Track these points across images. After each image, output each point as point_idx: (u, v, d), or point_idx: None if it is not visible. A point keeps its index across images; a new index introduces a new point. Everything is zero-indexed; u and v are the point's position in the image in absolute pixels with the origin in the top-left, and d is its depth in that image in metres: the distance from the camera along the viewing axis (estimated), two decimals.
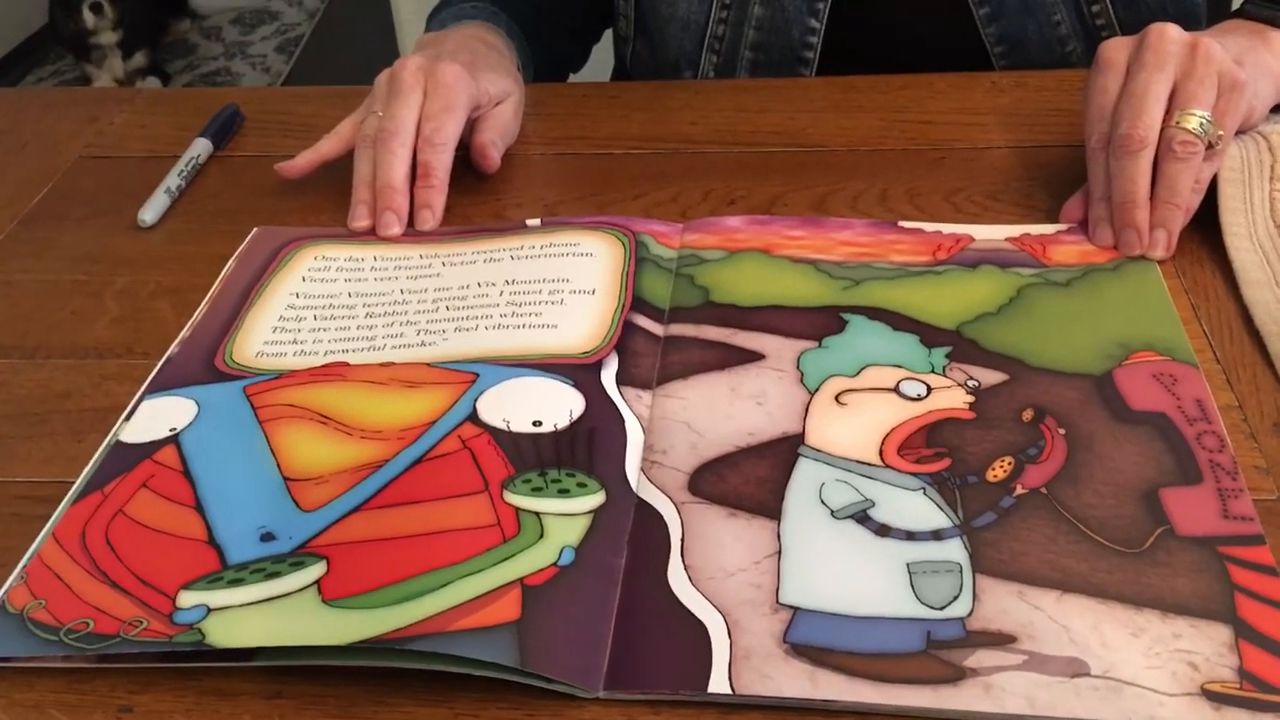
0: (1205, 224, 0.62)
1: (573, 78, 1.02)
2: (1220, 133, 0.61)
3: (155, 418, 0.55)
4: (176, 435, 0.54)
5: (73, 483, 0.52)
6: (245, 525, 0.49)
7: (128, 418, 0.55)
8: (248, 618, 0.44)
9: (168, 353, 0.60)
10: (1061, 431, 0.51)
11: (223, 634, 0.44)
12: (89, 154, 0.81)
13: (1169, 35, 0.62)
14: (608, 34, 1.02)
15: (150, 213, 0.71)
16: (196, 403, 0.56)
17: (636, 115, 0.80)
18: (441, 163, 0.68)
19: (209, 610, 0.45)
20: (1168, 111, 0.61)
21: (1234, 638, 0.42)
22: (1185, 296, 0.59)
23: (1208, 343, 0.56)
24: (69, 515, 0.50)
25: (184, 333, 0.61)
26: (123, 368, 0.60)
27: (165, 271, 0.67)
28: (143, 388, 0.57)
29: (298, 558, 0.47)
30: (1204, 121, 0.60)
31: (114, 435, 0.54)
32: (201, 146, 0.78)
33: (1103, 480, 0.48)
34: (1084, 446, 0.50)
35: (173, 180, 0.74)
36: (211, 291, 0.64)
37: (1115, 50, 0.64)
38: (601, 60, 1.04)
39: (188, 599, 0.45)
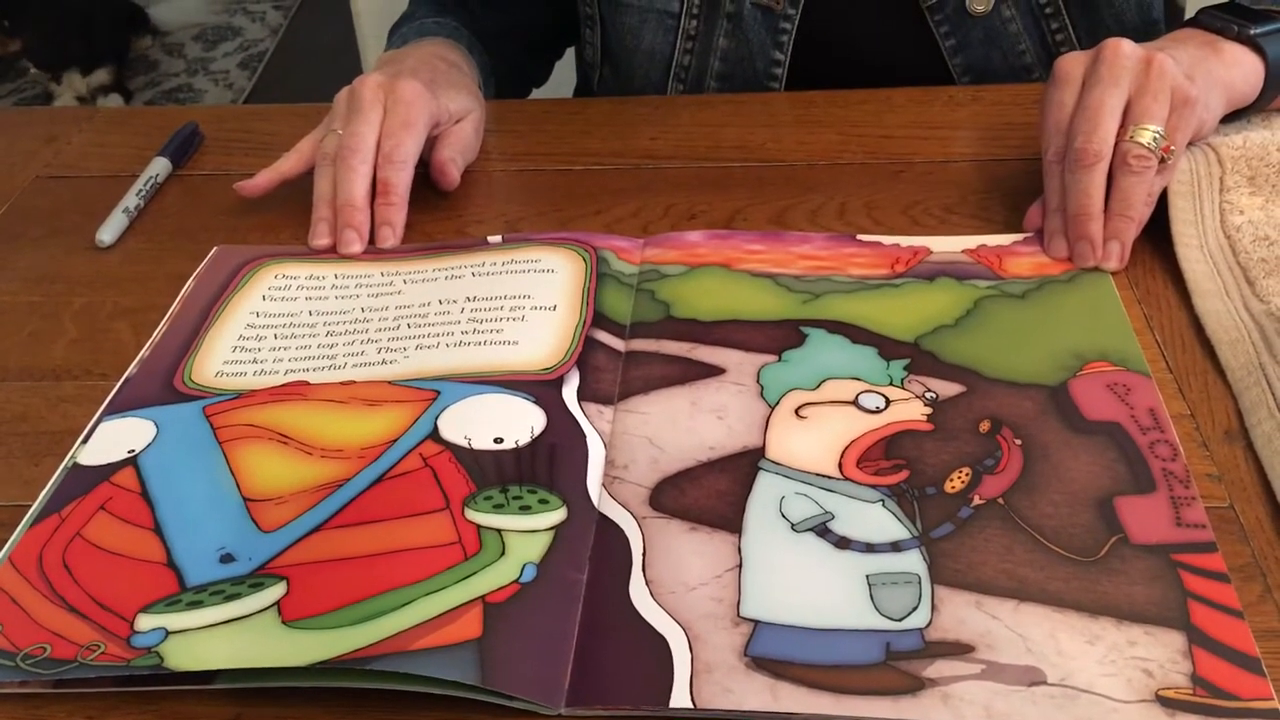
0: (1157, 236, 0.63)
1: (535, 93, 1.02)
2: (1172, 146, 0.62)
3: (113, 439, 0.55)
4: (135, 457, 0.53)
5: (29, 506, 0.51)
6: (204, 547, 0.48)
7: (85, 440, 0.55)
8: (207, 640, 0.44)
9: (126, 373, 0.59)
10: (1018, 442, 0.51)
11: (182, 657, 0.44)
12: (46, 174, 0.80)
13: (1124, 51, 0.63)
14: (570, 49, 1.03)
15: (108, 232, 0.71)
16: (155, 424, 0.55)
17: (597, 131, 0.80)
18: (401, 180, 0.68)
19: (168, 633, 0.44)
20: (1122, 126, 0.62)
21: (1187, 644, 0.43)
22: (1138, 307, 0.60)
23: (1160, 353, 0.57)
24: (26, 539, 0.49)
25: (143, 353, 0.61)
26: (80, 389, 0.59)
27: (124, 292, 0.67)
28: (101, 409, 0.57)
29: (257, 579, 0.46)
30: (1157, 136, 0.61)
31: (71, 458, 0.54)
32: (160, 165, 0.77)
33: (1058, 490, 0.49)
34: (1040, 456, 0.51)
35: (131, 200, 0.74)
36: (170, 311, 0.64)
37: (1071, 65, 0.64)
38: (564, 77, 1.04)
39: (146, 622, 0.45)
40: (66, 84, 2.75)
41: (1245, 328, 0.56)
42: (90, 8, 2.77)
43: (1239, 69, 0.67)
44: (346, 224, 0.67)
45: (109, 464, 0.53)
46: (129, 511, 0.50)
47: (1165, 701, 0.41)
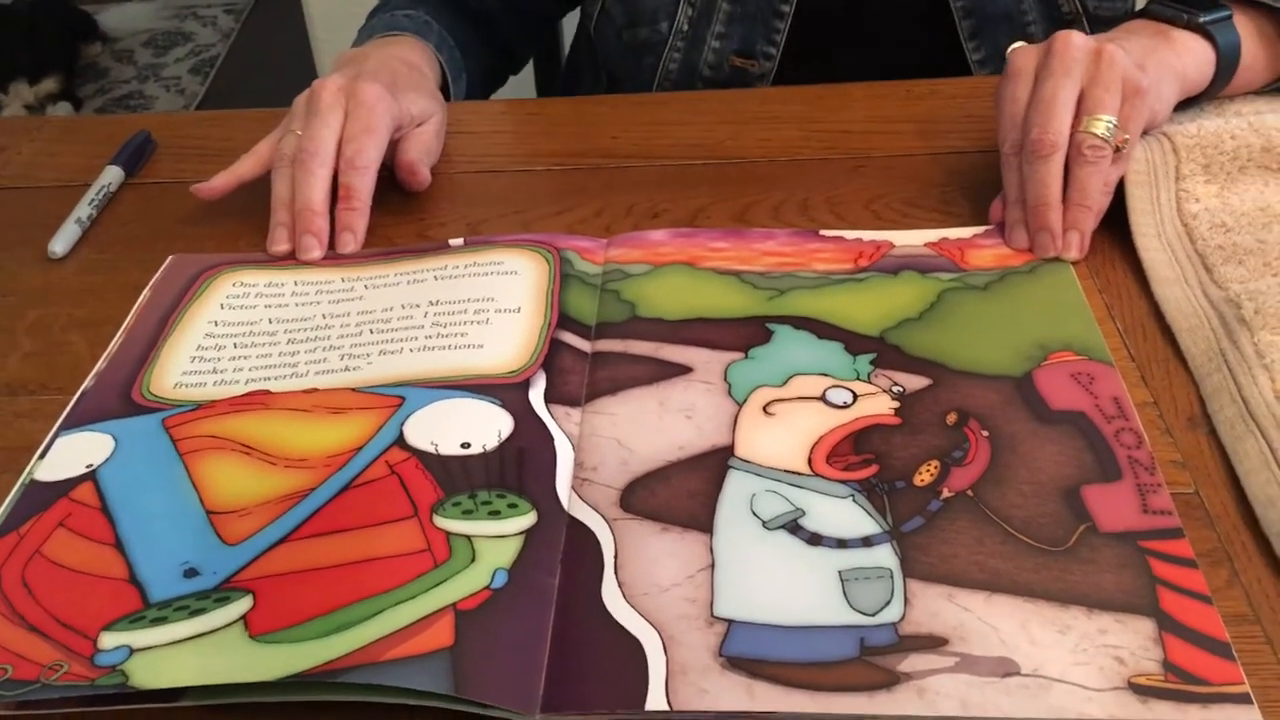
0: (1115, 225, 0.64)
1: (497, 94, 1.01)
2: (1126, 136, 0.62)
3: (71, 454, 0.53)
4: (94, 471, 0.52)
5: None
6: (167, 562, 0.47)
7: (42, 455, 0.54)
8: (173, 657, 0.43)
9: (83, 387, 0.58)
10: (985, 433, 0.52)
11: (147, 675, 0.43)
12: None
13: (1074, 43, 0.63)
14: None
15: (61, 244, 0.70)
16: (114, 437, 0.54)
17: (558, 131, 0.80)
18: (364, 185, 0.68)
19: (132, 651, 0.44)
20: (1076, 117, 0.62)
21: (1157, 631, 0.43)
22: (1099, 296, 0.60)
23: (1122, 341, 0.57)
24: None
25: (99, 365, 0.60)
26: (36, 404, 0.58)
27: (78, 303, 0.66)
28: (57, 424, 0.56)
29: (222, 593, 0.46)
30: (1110, 125, 0.61)
31: (29, 474, 0.53)
32: (113, 174, 0.76)
33: (1026, 480, 0.49)
34: (1007, 447, 0.51)
35: (84, 210, 0.72)
36: (126, 322, 0.63)
37: (1023, 59, 0.65)
38: (524, 80, 1.04)
39: (109, 640, 0.44)
40: (14, 94, 2.70)
41: (1205, 314, 0.57)
42: (34, 16, 2.73)
43: (1191, 57, 0.68)
44: (305, 230, 0.67)
45: (67, 479, 0.52)
46: (89, 527, 0.49)
47: (1137, 688, 0.41)
